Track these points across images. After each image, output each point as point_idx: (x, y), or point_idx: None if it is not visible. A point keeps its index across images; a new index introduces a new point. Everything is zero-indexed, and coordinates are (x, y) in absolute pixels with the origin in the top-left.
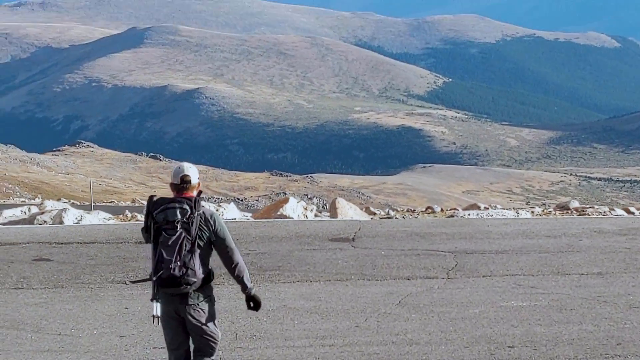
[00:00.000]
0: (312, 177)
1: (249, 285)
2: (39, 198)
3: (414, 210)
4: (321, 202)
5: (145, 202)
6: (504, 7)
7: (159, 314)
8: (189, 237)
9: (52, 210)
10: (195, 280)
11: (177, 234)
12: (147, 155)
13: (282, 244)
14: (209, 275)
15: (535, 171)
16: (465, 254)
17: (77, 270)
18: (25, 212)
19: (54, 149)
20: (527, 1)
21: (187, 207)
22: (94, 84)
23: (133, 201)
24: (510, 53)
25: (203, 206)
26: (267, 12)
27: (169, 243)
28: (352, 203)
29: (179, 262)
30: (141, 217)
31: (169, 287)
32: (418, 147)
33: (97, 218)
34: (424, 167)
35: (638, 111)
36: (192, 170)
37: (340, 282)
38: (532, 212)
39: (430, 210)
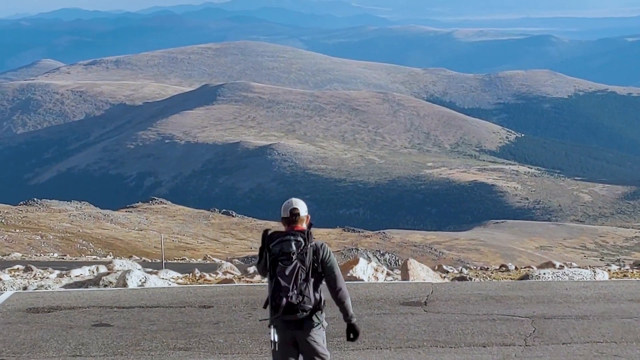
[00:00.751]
0: (384, 232)
1: (351, 312)
2: (110, 255)
3: (487, 268)
4: (393, 258)
5: (213, 259)
6: (576, 63)
7: (276, 340)
8: (303, 267)
9: (118, 270)
10: (310, 307)
11: (293, 264)
12: (219, 212)
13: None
14: (319, 302)
15: (609, 227)
16: (543, 319)
17: (137, 336)
18: (93, 272)
19: (128, 206)
20: (600, 57)
21: (301, 239)
22: (167, 141)
23: (205, 258)
24: (583, 108)
25: (314, 238)
26: (338, 69)
27: (286, 273)
28: (424, 264)
29: (295, 291)
30: (209, 277)
31: (287, 314)
32: (490, 203)
33: (162, 280)
34: (497, 222)
35: None
36: (300, 204)
37: (412, 349)
38: (609, 270)
39: (504, 269)
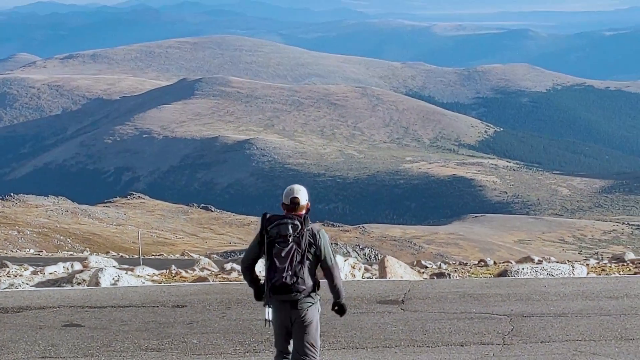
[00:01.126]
0: (363, 227)
1: (342, 295)
2: (87, 251)
3: (466, 263)
4: (373, 252)
5: (191, 254)
6: (554, 56)
7: (270, 318)
8: (299, 249)
9: (92, 268)
10: (304, 288)
11: (289, 246)
12: (198, 207)
13: (328, 306)
14: (315, 285)
15: (587, 220)
16: (521, 317)
17: (108, 336)
18: (67, 269)
19: (105, 201)
20: (577, 50)
21: (298, 223)
22: (144, 136)
23: (182, 254)
24: (561, 102)
25: (311, 223)
26: (317, 63)
27: (282, 254)
28: (403, 258)
29: (290, 272)
30: (186, 274)
31: (281, 293)
32: (469, 197)
33: (136, 278)
34: (476, 216)
35: None
36: (301, 193)
37: (389, 349)
38: (587, 264)
39: (483, 264)
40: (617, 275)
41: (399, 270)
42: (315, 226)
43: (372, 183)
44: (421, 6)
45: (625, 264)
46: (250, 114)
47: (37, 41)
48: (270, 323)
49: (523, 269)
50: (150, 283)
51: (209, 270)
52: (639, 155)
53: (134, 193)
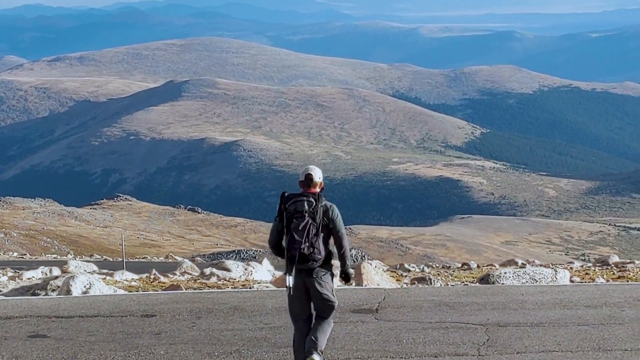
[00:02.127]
0: (350, 228)
1: (348, 263)
2: (70, 254)
3: (450, 266)
4: (360, 254)
5: (175, 257)
6: (540, 58)
7: (291, 285)
8: (314, 223)
9: (67, 274)
10: (320, 257)
11: (305, 221)
12: (185, 208)
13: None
14: (329, 255)
15: (574, 221)
16: (497, 326)
17: (74, 348)
18: (45, 274)
19: (92, 203)
20: (564, 52)
21: (313, 200)
22: (132, 137)
23: (167, 257)
24: (548, 103)
25: (324, 199)
26: (304, 65)
27: (300, 228)
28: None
29: (307, 243)
30: (164, 279)
31: (300, 263)
32: (456, 198)
33: (107, 286)
34: (463, 217)
35: None
36: (315, 171)
37: None
38: (571, 268)
39: (466, 267)
40: (599, 282)
41: (375, 277)
42: (328, 203)
43: (359, 184)
44: (407, 8)
45: (609, 267)
46: (237, 115)
47: (24, 44)
48: (291, 289)
49: (505, 273)
50: (121, 291)
51: (190, 274)
52: (625, 156)
53: (120, 195)
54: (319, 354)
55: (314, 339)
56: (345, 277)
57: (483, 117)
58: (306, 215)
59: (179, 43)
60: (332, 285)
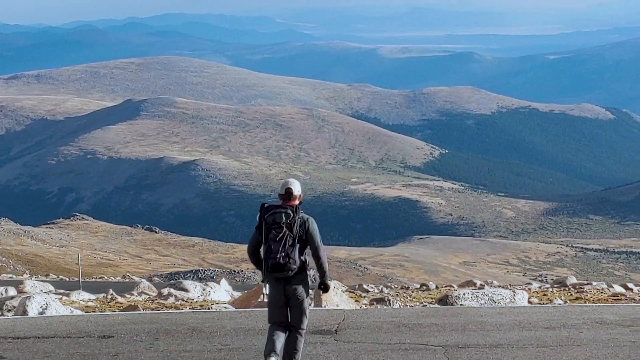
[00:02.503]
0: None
1: (327, 275)
2: (26, 274)
3: (408, 287)
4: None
5: (132, 277)
6: (499, 79)
7: (267, 293)
8: (291, 234)
9: (24, 294)
10: (295, 267)
11: (283, 232)
12: (142, 228)
13: (259, 337)
14: (303, 265)
15: (531, 242)
16: (457, 348)
17: None
18: (2, 294)
19: (49, 222)
20: (522, 74)
21: (291, 212)
22: (89, 156)
23: (124, 276)
24: (506, 124)
25: (302, 212)
26: (263, 84)
27: (277, 239)
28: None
29: (283, 253)
30: (122, 299)
31: (276, 272)
32: (415, 219)
33: (64, 307)
34: (421, 238)
35: (633, 183)
36: (294, 185)
37: None
38: (529, 289)
39: (425, 288)
40: (557, 304)
41: (334, 298)
42: (305, 215)
43: (318, 204)
44: (367, 29)
45: (567, 288)
46: (196, 134)
47: None
48: (268, 297)
49: (464, 293)
50: (79, 311)
51: (148, 294)
52: (582, 178)
53: (77, 214)
54: None
55: (291, 353)
56: (324, 288)
57: (442, 138)
58: (284, 226)
59: (138, 62)
60: (308, 293)
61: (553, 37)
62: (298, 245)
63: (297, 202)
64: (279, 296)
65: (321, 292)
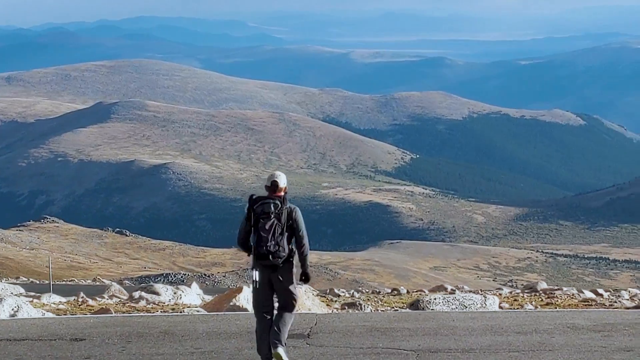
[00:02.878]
0: None
1: (307, 264)
2: None
3: (379, 292)
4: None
5: (103, 280)
6: (470, 85)
7: (258, 279)
8: (280, 223)
9: None
10: (284, 254)
11: (272, 221)
12: (113, 231)
13: (231, 341)
14: (291, 252)
15: (502, 247)
16: (429, 352)
17: None
18: None
19: (19, 224)
20: (493, 79)
21: (279, 203)
22: (59, 159)
23: (94, 279)
24: (477, 130)
25: (288, 203)
26: (235, 88)
27: (266, 227)
28: (319, 284)
29: (273, 241)
30: (93, 302)
31: (265, 259)
32: (386, 223)
33: (36, 309)
34: (392, 243)
35: (603, 189)
36: (280, 177)
37: None
38: (500, 294)
39: (396, 292)
40: (528, 309)
41: (307, 302)
42: (292, 205)
43: None
44: (339, 33)
45: (537, 293)
46: (167, 138)
47: None
48: (257, 283)
49: (435, 298)
50: (50, 314)
51: (118, 297)
52: (553, 183)
53: (47, 217)
54: (282, 345)
55: (277, 330)
56: (305, 278)
57: (413, 143)
58: (272, 216)
59: (109, 64)
60: (294, 281)
61: (524, 43)
62: (286, 234)
63: (282, 193)
64: (267, 282)
65: (302, 283)
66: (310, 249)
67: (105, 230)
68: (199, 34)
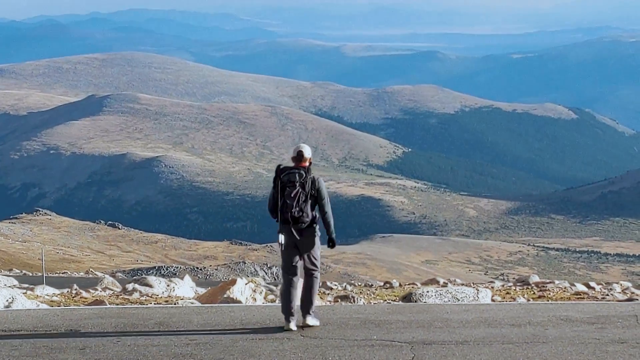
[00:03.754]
0: (271, 246)
1: (332, 229)
2: None
3: (372, 285)
4: (280, 272)
5: (96, 272)
6: (462, 78)
7: (283, 242)
8: (304, 191)
9: None
10: (307, 220)
11: (296, 189)
12: (105, 224)
13: (226, 332)
14: (314, 219)
15: (493, 241)
16: (423, 344)
17: None
18: None
19: (11, 217)
20: (485, 73)
21: (303, 172)
22: (52, 152)
23: (87, 272)
24: (469, 123)
25: (312, 172)
26: (227, 81)
27: (292, 195)
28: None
29: (297, 208)
30: (86, 294)
31: (292, 224)
32: (377, 217)
33: (30, 300)
34: (384, 236)
35: (595, 182)
36: (305, 148)
37: None
38: (492, 287)
39: (388, 285)
40: (520, 302)
41: (300, 294)
42: (316, 175)
43: None
44: (331, 27)
45: (530, 287)
46: (159, 131)
47: None
48: (283, 246)
49: (428, 291)
50: (44, 306)
51: (111, 290)
52: (545, 177)
53: (40, 209)
54: (311, 314)
55: (305, 299)
56: (332, 244)
57: (405, 137)
58: (297, 184)
59: (101, 57)
60: (319, 245)
61: (517, 37)
62: (310, 201)
63: (307, 164)
64: (292, 245)
65: (330, 247)
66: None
67: (97, 223)
68: (191, 27)
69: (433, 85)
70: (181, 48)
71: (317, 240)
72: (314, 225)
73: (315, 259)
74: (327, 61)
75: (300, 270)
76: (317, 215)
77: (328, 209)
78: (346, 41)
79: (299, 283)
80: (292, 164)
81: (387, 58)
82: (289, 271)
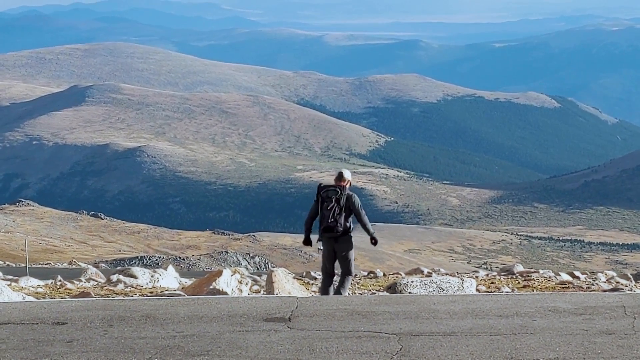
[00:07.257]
0: (254, 235)
1: (372, 232)
2: None
3: (356, 275)
4: (263, 261)
5: (79, 263)
6: (444, 67)
7: (322, 248)
8: (339, 206)
9: None
10: (341, 229)
11: (332, 204)
12: (88, 214)
13: (213, 324)
14: (348, 228)
15: (476, 230)
16: (410, 335)
17: None
18: None
19: None
20: (468, 61)
21: (339, 190)
22: (34, 142)
23: (70, 262)
24: (452, 112)
25: (348, 190)
26: (209, 71)
27: (328, 208)
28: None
29: (333, 219)
30: (71, 286)
31: (328, 232)
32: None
33: (16, 293)
34: None
35: (578, 171)
36: (346, 172)
37: None
38: (477, 277)
39: (372, 275)
40: (506, 292)
41: (287, 285)
42: (350, 192)
43: (263, 191)
44: (313, 16)
45: (514, 276)
46: (142, 121)
47: None
48: (321, 251)
49: (412, 281)
50: (31, 298)
51: (96, 280)
52: (528, 166)
53: (22, 200)
54: None
55: (336, 294)
56: (374, 241)
57: (387, 126)
58: (333, 200)
59: (83, 48)
60: (352, 248)
61: (499, 25)
62: (344, 214)
63: (344, 184)
64: (329, 251)
65: (373, 244)
66: (285, 232)
67: (80, 214)
68: (173, 16)
69: (415, 74)
70: (163, 38)
71: (351, 247)
72: (348, 234)
73: (350, 264)
74: (309, 50)
75: (336, 270)
76: (352, 226)
77: (364, 219)
78: (328, 30)
79: (333, 279)
80: (332, 183)
81: (370, 47)
82: (326, 271)
